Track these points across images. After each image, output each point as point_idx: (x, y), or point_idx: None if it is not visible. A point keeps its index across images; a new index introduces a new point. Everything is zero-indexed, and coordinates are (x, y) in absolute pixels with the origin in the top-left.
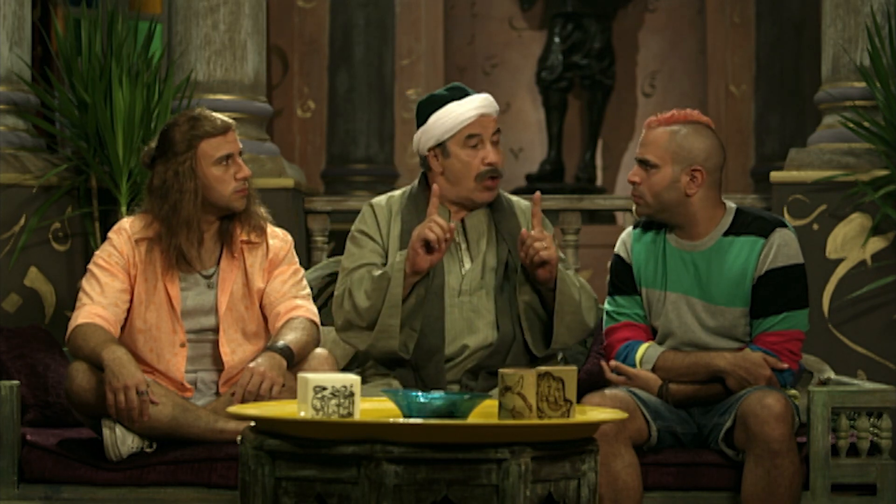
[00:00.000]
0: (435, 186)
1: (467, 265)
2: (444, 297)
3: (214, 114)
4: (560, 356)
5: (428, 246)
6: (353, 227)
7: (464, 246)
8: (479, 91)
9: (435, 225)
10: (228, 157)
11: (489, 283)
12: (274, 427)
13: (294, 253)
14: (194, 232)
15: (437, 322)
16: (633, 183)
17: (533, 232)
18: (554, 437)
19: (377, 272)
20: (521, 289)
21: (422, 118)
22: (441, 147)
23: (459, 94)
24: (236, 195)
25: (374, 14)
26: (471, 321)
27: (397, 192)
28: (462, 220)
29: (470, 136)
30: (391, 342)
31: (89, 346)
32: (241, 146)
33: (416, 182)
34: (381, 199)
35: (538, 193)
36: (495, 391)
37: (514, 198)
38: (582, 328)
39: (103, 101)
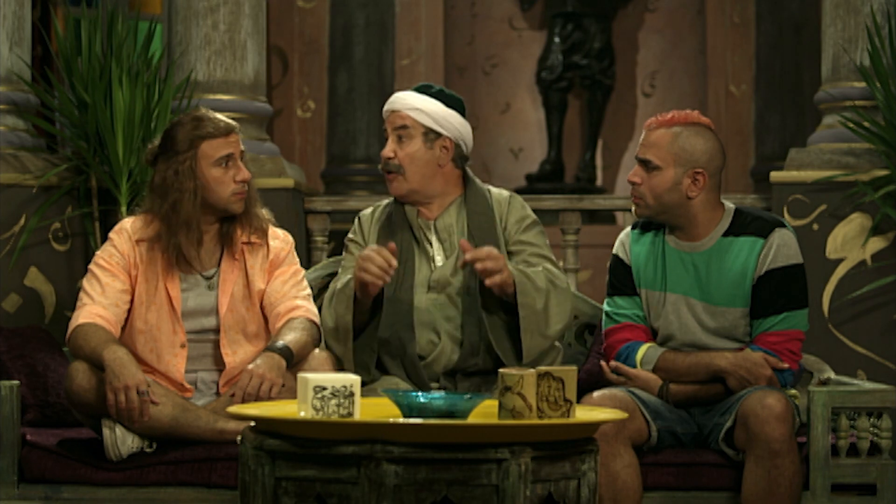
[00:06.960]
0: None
1: (439, 262)
2: (413, 295)
3: (218, 115)
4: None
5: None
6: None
7: (436, 245)
8: (478, 91)
9: (370, 265)
10: (228, 158)
11: (457, 281)
12: (274, 427)
13: (294, 253)
14: (193, 232)
15: (406, 318)
16: (633, 183)
17: (481, 252)
18: (554, 437)
19: (340, 290)
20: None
21: None
22: None
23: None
24: (234, 197)
25: (374, 14)
26: (437, 319)
27: (384, 202)
28: (433, 221)
29: (385, 129)
30: (349, 365)
31: (90, 346)
32: (242, 148)
33: None
34: (368, 210)
35: (463, 240)
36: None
37: (495, 190)
38: (554, 331)
39: (103, 101)
